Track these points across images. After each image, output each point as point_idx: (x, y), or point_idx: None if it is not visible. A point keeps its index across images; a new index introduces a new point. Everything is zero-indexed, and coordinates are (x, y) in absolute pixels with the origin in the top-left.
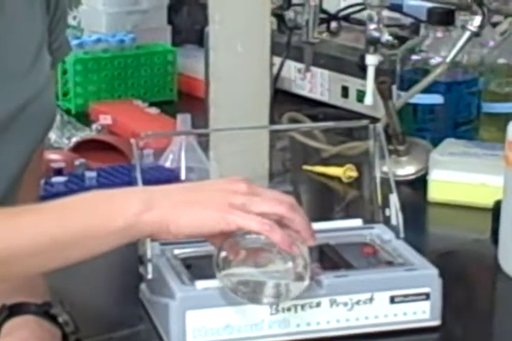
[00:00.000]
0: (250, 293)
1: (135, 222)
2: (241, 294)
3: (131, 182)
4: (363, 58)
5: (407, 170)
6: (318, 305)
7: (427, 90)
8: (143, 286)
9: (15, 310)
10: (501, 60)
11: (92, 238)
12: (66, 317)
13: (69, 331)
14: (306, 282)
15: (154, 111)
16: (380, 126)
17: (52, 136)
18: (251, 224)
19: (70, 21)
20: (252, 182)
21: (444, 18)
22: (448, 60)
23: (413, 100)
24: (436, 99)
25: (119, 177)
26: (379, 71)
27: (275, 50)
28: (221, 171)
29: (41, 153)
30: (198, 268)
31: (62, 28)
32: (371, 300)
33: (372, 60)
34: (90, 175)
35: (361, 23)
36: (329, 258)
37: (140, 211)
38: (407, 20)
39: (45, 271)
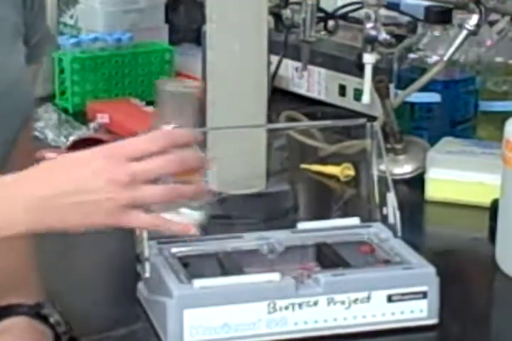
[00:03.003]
0: None
1: (23, 231)
2: None
3: None
4: (360, 57)
5: (405, 168)
6: (315, 303)
7: (424, 89)
8: (140, 285)
9: (6, 312)
10: (498, 59)
11: None
12: (57, 317)
13: (61, 331)
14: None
15: (151, 109)
16: (377, 125)
17: (50, 134)
18: (145, 225)
19: (67, 20)
20: (115, 147)
21: (441, 16)
22: (445, 58)
23: (410, 99)
24: (434, 97)
25: None
26: (376, 69)
27: (272, 48)
28: (218, 170)
29: (28, 135)
30: (195, 266)
31: (41, 20)
32: (368, 298)
33: (369, 59)
34: None
35: (358, 21)
36: (327, 256)
37: (26, 223)
38: (405, 19)
39: None
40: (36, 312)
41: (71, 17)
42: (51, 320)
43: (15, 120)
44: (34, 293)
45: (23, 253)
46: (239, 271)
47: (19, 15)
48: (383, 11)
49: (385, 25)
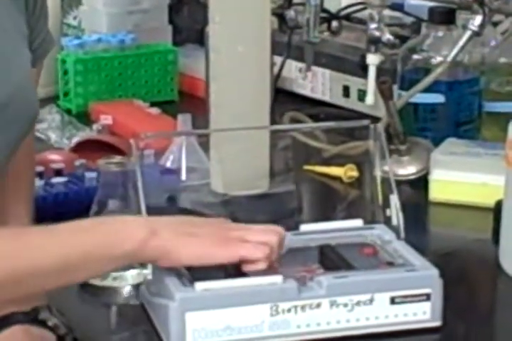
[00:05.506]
0: None
1: (140, 248)
2: None
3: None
4: (364, 57)
5: (408, 169)
6: (318, 306)
7: (428, 89)
8: (143, 288)
9: (2, 323)
10: (502, 59)
11: (99, 261)
12: (55, 320)
13: (61, 333)
14: None
15: (155, 111)
16: (381, 126)
17: (53, 136)
18: (254, 252)
19: (71, 21)
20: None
21: (445, 17)
22: (449, 59)
23: (414, 99)
24: (438, 98)
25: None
26: (380, 70)
27: (276, 49)
28: (222, 171)
29: (30, 142)
30: (197, 269)
31: (42, 24)
32: (371, 300)
33: (373, 60)
34: (90, 175)
35: (362, 22)
36: (330, 258)
37: (146, 238)
38: (408, 20)
39: (47, 290)
40: (33, 318)
41: (74, 18)
42: (49, 323)
43: (22, 124)
44: (32, 298)
45: None
46: (241, 273)
47: (23, 20)
48: (387, 12)
49: (388, 25)
